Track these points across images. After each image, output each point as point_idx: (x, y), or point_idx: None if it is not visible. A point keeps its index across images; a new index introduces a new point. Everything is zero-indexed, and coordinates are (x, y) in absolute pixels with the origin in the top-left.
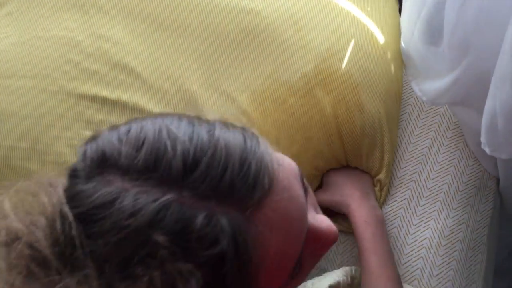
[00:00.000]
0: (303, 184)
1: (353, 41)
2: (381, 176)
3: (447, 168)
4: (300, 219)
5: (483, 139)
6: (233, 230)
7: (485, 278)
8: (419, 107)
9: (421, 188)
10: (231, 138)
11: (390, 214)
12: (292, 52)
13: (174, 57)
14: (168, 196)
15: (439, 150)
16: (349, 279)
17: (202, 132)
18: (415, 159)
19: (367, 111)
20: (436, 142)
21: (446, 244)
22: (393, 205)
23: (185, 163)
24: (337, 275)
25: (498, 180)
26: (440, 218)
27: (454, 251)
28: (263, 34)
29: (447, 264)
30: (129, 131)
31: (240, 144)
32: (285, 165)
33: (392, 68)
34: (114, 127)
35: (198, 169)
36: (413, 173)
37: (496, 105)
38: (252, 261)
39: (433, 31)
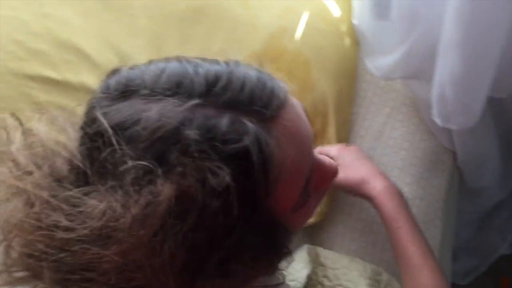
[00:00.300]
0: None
1: (304, 17)
2: None
3: (402, 144)
4: (309, 139)
5: (434, 110)
6: (256, 132)
7: (441, 252)
8: (374, 84)
9: (375, 164)
10: (247, 67)
11: (343, 191)
12: (241, 30)
13: (122, 36)
14: (193, 102)
15: (394, 125)
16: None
17: (220, 62)
18: (370, 135)
19: (318, 88)
20: (391, 118)
21: None
22: None
23: (207, 79)
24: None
25: (455, 154)
26: None
27: None
28: (211, 12)
29: None
30: (150, 63)
31: (255, 69)
32: (295, 100)
33: (346, 44)
34: (133, 65)
35: (220, 83)
36: (368, 149)
37: (444, 74)
38: (274, 163)
39: (381, 4)
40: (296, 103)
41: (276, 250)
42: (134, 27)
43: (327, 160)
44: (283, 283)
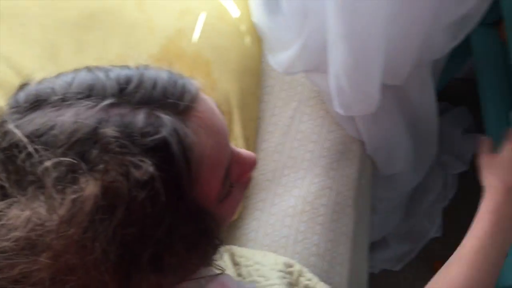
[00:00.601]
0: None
1: (201, 18)
2: None
3: (310, 136)
4: (224, 131)
5: (334, 100)
6: (172, 123)
7: (354, 239)
8: (281, 79)
9: (285, 158)
10: (157, 68)
11: (255, 188)
12: (138, 34)
13: (15, 47)
14: (107, 102)
15: (301, 119)
16: None
17: (130, 67)
18: (279, 130)
19: (220, 88)
20: (298, 112)
21: (310, 210)
22: (259, 178)
23: (118, 81)
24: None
25: (363, 143)
26: (303, 185)
27: (318, 216)
28: (106, 17)
29: (311, 229)
30: (59, 75)
31: (165, 70)
32: (208, 97)
33: (247, 42)
34: (42, 79)
35: (131, 83)
36: (277, 145)
37: (336, 65)
38: (194, 151)
39: (272, 0)
40: (208, 98)
41: (209, 241)
42: (27, 37)
43: (244, 152)
44: (222, 273)
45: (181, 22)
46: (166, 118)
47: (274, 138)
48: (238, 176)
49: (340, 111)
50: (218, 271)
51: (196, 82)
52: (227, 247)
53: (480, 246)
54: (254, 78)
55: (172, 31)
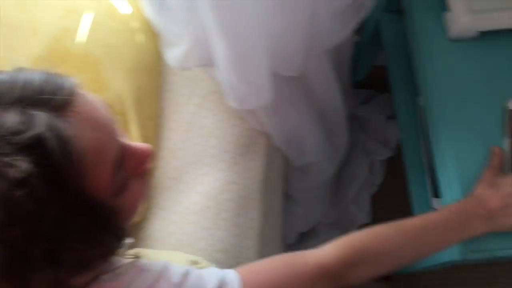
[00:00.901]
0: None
1: (89, 16)
2: None
3: (213, 131)
4: (108, 125)
5: (227, 94)
6: (47, 120)
7: (262, 233)
8: (182, 75)
9: (188, 155)
10: (31, 70)
11: (159, 187)
12: (19, 35)
13: None
14: None
15: (204, 115)
16: None
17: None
18: (182, 127)
19: (112, 87)
20: (200, 108)
21: (214, 205)
22: (162, 177)
23: None
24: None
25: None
26: (207, 181)
27: (223, 211)
28: None
29: (215, 225)
30: None
31: (39, 71)
32: (90, 93)
33: (141, 39)
34: None
35: (2, 86)
36: (180, 142)
37: (221, 59)
38: (73, 144)
39: None
40: (88, 93)
41: (109, 232)
42: None
43: (137, 144)
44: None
45: (67, 21)
46: (40, 115)
47: (176, 136)
48: (133, 168)
49: (234, 104)
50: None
51: (73, 79)
52: (133, 250)
53: (422, 225)
54: (151, 75)
55: (58, 30)
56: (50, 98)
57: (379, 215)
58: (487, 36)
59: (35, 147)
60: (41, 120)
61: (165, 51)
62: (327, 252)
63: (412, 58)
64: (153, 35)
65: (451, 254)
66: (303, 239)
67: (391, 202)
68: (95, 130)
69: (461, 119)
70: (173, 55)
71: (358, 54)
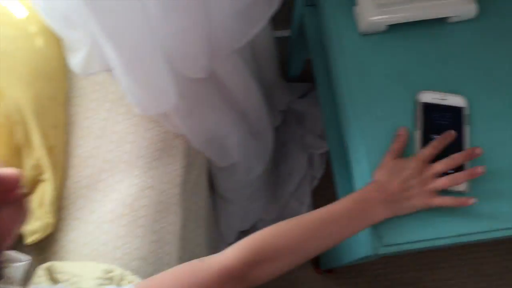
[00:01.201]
0: None
1: None
2: (43, 160)
3: (126, 137)
4: None
5: (131, 100)
6: None
7: (184, 236)
8: (93, 80)
9: (100, 163)
10: None
11: (71, 197)
12: None
13: None
14: None
15: (116, 120)
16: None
17: None
18: (93, 133)
19: (9, 96)
20: (112, 113)
21: (130, 213)
22: (74, 186)
23: None
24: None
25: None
26: (122, 188)
27: (139, 218)
28: None
29: (132, 233)
30: None
31: None
32: None
33: (40, 44)
34: None
35: None
36: (92, 149)
37: (114, 65)
38: None
39: None
40: None
41: None
42: None
43: (3, 170)
44: None
45: None
46: None
47: (88, 143)
48: (4, 197)
49: (137, 110)
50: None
51: None
52: (46, 264)
53: (323, 217)
54: (53, 81)
55: None
56: None
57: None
58: (396, 29)
59: None
60: None
61: (68, 56)
62: (229, 254)
63: (326, 53)
64: (55, 39)
65: (365, 249)
66: (244, 237)
67: (333, 194)
68: None
69: (373, 114)
70: (75, 60)
71: (290, 48)
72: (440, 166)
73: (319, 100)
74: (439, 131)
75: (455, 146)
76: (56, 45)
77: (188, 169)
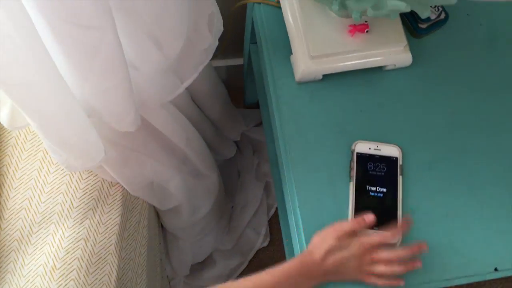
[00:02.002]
0: None
1: None
2: None
3: (59, 187)
4: None
5: (54, 159)
6: None
7: (120, 285)
8: (26, 129)
9: (32, 215)
10: None
11: (4, 250)
12: None
13: None
14: None
15: (49, 170)
16: None
17: None
18: (25, 185)
19: None
20: (45, 162)
21: (62, 266)
22: (6, 239)
23: None
24: None
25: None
26: (54, 241)
27: (71, 271)
28: None
29: (64, 287)
30: None
31: None
32: None
33: None
34: None
35: None
36: (23, 200)
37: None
38: None
39: None
40: None
41: None
42: None
43: None
44: None
45: None
46: None
47: (20, 195)
48: None
49: (64, 167)
50: None
51: None
52: None
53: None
54: None
55: None
56: None
57: (277, 236)
58: (332, 77)
59: None
60: None
61: None
62: None
63: (265, 96)
64: None
65: None
66: (201, 269)
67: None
68: None
69: (309, 164)
70: (2, 114)
71: (245, 77)
72: (383, 255)
73: (265, 134)
74: (374, 182)
75: (390, 198)
76: None
77: (126, 217)
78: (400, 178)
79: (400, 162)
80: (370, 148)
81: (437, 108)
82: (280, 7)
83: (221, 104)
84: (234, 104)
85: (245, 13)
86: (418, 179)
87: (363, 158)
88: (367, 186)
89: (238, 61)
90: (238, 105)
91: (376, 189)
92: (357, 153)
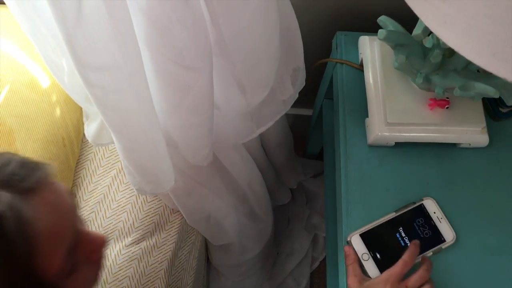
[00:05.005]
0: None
1: (6, 87)
2: None
3: (124, 206)
4: (68, 212)
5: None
6: (10, 201)
7: None
8: (106, 147)
9: (96, 228)
10: (11, 154)
11: None
12: None
13: None
14: None
15: (118, 188)
16: None
17: None
18: (94, 198)
19: None
20: (116, 180)
21: (113, 281)
22: None
23: None
24: None
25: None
26: (111, 256)
27: None
28: None
29: None
30: None
31: (20, 156)
32: (59, 183)
33: (60, 113)
34: None
35: None
36: (90, 213)
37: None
38: (31, 228)
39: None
40: (57, 183)
41: None
42: None
43: (93, 232)
44: None
45: None
46: (4, 195)
47: (88, 207)
48: (86, 255)
49: (134, 189)
50: None
51: (48, 168)
52: None
53: None
54: (67, 148)
55: None
56: (19, 181)
57: None
58: (404, 145)
59: None
60: (4, 200)
61: (85, 124)
62: None
63: (334, 153)
64: (75, 106)
65: None
66: None
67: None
68: (55, 215)
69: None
70: (88, 129)
71: (311, 128)
72: (411, 283)
73: (325, 187)
74: (408, 231)
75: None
76: (77, 112)
77: (179, 245)
78: (429, 254)
79: (443, 246)
80: (434, 212)
81: (509, 193)
82: (362, 70)
83: (285, 152)
84: (295, 152)
85: (323, 69)
86: (478, 262)
87: (421, 211)
88: (400, 228)
89: (307, 112)
90: (298, 153)
91: (404, 236)
92: (422, 204)
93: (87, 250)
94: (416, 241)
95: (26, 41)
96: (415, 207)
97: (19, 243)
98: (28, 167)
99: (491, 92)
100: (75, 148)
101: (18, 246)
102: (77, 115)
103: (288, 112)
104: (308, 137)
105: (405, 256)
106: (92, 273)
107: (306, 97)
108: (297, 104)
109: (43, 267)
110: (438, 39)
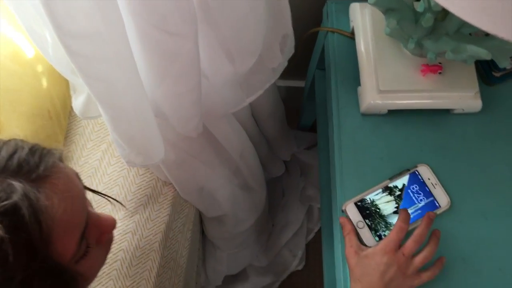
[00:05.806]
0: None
1: None
2: None
3: (116, 179)
4: (79, 196)
5: (118, 151)
6: (24, 190)
7: (158, 284)
8: (94, 120)
9: (88, 201)
10: (19, 141)
11: None
12: None
13: None
14: None
15: (109, 161)
16: None
17: None
18: (85, 173)
19: (7, 131)
20: (107, 154)
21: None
22: None
23: None
24: None
25: None
26: None
27: (115, 261)
28: None
29: (106, 274)
30: None
31: (27, 142)
32: (68, 167)
33: (46, 84)
34: None
35: None
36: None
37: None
38: (46, 214)
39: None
40: (66, 167)
41: None
42: None
43: (103, 214)
44: None
45: None
46: (18, 185)
47: None
48: (96, 237)
49: (124, 161)
50: None
51: (57, 152)
52: None
53: None
54: (54, 120)
55: None
56: (31, 170)
57: (313, 262)
58: (397, 113)
59: (10, 215)
60: (18, 189)
61: (72, 97)
62: None
63: (327, 122)
64: (62, 79)
65: None
66: (233, 281)
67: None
68: (67, 201)
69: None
70: (76, 103)
71: (304, 100)
72: (407, 250)
73: (319, 159)
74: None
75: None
76: (63, 85)
77: (173, 217)
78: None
79: (438, 212)
80: (429, 179)
81: (503, 157)
82: (353, 38)
83: (277, 123)
84: (288, 125)
85: (315, 39)
86: (473, 227)
87: (415, 177)
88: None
89: (299, 83)
90: (291, 126)
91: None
92: (416, 171)
93: (98, 232)
94: (404, 208)
95: (7, 10)
96: (409, 174)
97: (36, 232)
98: (38, 154)
99: (483, 54)
100: (62, 121)
101: (35, 235)
102: (62, 88)
103: (280, 84)
104: (301, 109)
105: (399, 222)
106: (101, 256)
107: (298, 68)
108: (289, 75)
109: (59, 253)
110: (429, 3)
